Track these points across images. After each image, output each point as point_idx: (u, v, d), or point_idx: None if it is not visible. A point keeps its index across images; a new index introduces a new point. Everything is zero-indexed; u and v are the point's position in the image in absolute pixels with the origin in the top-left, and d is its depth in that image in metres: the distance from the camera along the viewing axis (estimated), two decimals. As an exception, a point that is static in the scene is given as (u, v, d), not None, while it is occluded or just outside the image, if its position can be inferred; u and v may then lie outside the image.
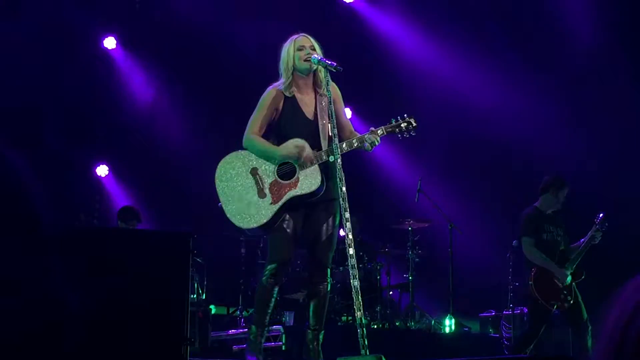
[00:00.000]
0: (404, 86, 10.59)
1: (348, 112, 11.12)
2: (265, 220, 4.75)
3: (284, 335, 7.27)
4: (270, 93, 4.95)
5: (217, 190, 4.84)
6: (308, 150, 4.77)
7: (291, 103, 4.93)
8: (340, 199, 4.56)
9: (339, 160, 4.66)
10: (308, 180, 4.79)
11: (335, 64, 4.82)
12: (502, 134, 9.94)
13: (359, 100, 10.86)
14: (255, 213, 4.77)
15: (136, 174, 10.42)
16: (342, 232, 5.09)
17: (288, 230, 4.81)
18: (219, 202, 4.86)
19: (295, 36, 4.99)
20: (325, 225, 4.88)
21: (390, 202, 10.46)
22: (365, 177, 10.17)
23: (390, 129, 4.99)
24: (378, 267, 9.05)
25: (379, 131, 4.91)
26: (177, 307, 4.01)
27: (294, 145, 4.78)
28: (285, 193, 4.79)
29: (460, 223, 9.23)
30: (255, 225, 4.76)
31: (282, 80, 4.95)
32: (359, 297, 4.44)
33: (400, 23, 10.61)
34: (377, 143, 4.84)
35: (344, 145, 4.84)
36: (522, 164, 9.90)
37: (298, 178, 4.80)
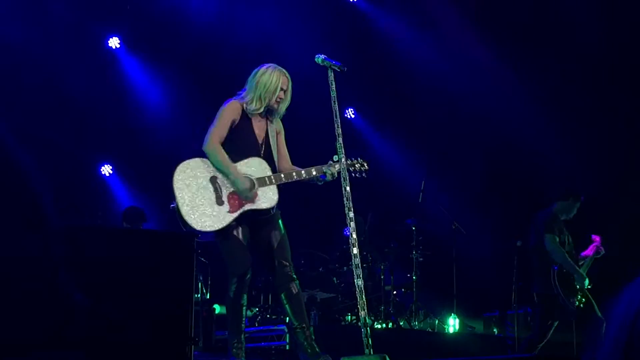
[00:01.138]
0: (408, 86, 10.59)
1: (351, 112, 11.15)
2: (220, 227, 4.79)
3: (287, 335, 7.27)
4: (234, 106, 5.04)
5: (174, 191, 4.79)
6: (252, 194, 4.88)
7: (247, 123, 5.03)
8: (345, 199, 4.58)
9: (343, 159, 4.70)
10: (266, 197, 4.92)
11: (339, 63, 4.84)
12: (506, 135, 9.94)
13: (363, 100, 10.87)
14: (212, 219, 4.79)
15: (140, 173, 10.41)
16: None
17: (242, 240, 4.89)
18: (172, 202, 4.83)
19: (282, 73, 5.03)
20: (273, 232, 5.00)
21: (394, 202, 10.46)
22: (369, 178, 10.16)
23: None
24: (382, 267, 9.04)
25: (337, 166, 4.99)
26: (182, 306, 4.02)
27: (249, 184, 4.86)
28: (243, 205, 4.86)
29: (464, 223, 9.22)
30: (210, 229, 4.78)
31: (248, 99, 5.02)
32: (363, 296, 4.44)
33: (405, 23, 10.61)
34: (336, 176, 4.98)
35: (302, 172, 5.00)
36: (526, 164, 9.89)
37: (257, 193, 4.89)
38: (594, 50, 9.50)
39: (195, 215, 4.77)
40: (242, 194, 4.85)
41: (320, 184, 5.09)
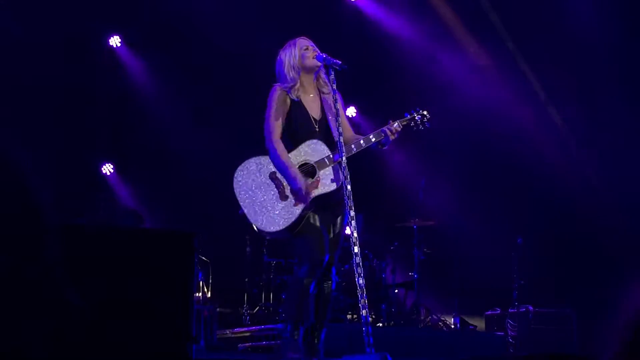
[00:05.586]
0: (409, 84, 10.57)
1: (353, 110, 11.15)
2: (291, 221, 4.72)
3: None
4: (279, 94, 4.91)
5: (238, 198, 4.77)
6: (306, 190, 4.77)
7: (298, 107, 4.92)
8: (345, 197, 4.56)
9: (344, 158, 4.68)
10: (329, 179, 4.83)
11: (340, 62, 4.82)
12: (507, 132, 9.92)
13: (364, 99, 10.86)
14: (281, 216, 4.74)
15: (141, 172, 10.42)
16: (347, 231, 5.07)
17: (318, 228, 4.79)
18: (240, 209, 4.80)
19: (295, 39, 5.01)
20: (332, 224, 4.87)
21: (396, 200, 10.45)
22: (370, 176, 10.17)
23: (405, 122, 5.09)
24: (383, 266, 9.04)
25: (395, 124, 4.97)
26: (182, 305, 4.01)
27: (303, 183, 4.74)
28: (309, 194, 4.79)
29: (466, 221, 9.20)
30: (283, 227, 4.71)
31: (286, 84, 4.92)
32: (364, 295, 4.43)
33: (406, 21, 10.59)
34: (396, 136, 4.94)
35: (361, 142, 4.89)
36: (527, 162, 9.88)
37: (319, 178, 4.82)
38: (594, 46, 9.49)
39: (264, 217, 4.73)
40: (297, 193, 4.75)
41: (384, 148, 4.98)
